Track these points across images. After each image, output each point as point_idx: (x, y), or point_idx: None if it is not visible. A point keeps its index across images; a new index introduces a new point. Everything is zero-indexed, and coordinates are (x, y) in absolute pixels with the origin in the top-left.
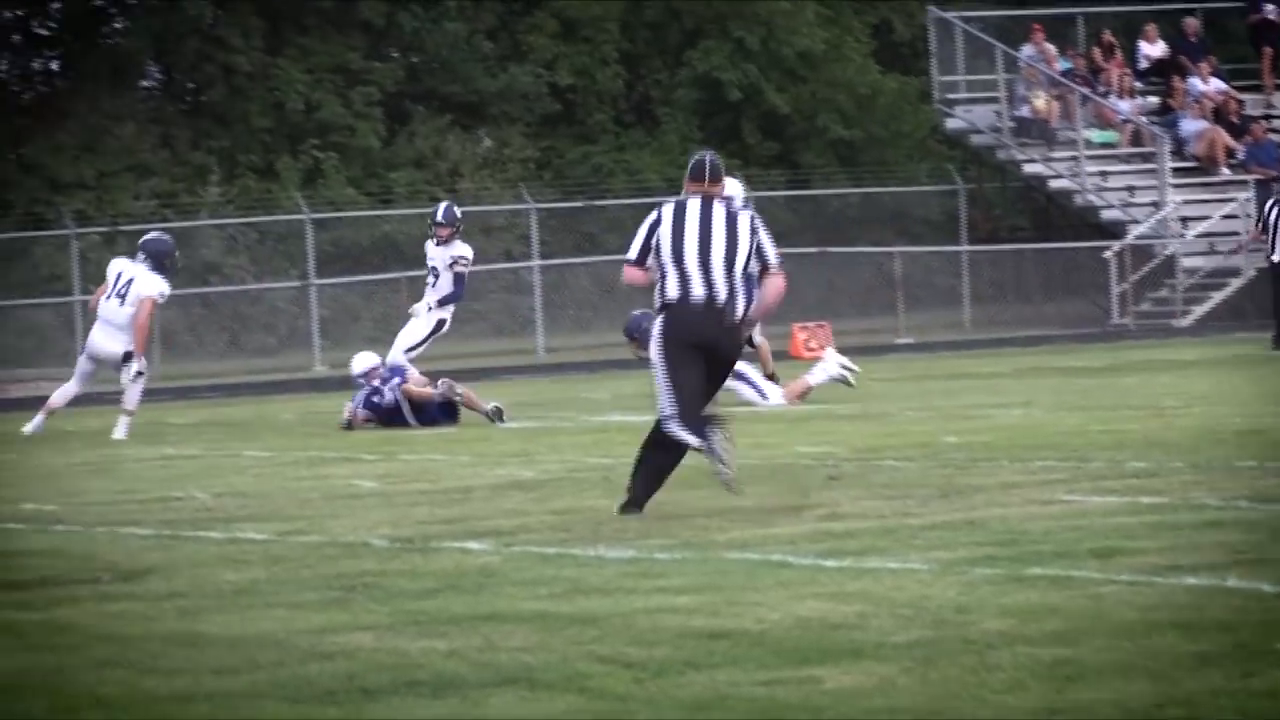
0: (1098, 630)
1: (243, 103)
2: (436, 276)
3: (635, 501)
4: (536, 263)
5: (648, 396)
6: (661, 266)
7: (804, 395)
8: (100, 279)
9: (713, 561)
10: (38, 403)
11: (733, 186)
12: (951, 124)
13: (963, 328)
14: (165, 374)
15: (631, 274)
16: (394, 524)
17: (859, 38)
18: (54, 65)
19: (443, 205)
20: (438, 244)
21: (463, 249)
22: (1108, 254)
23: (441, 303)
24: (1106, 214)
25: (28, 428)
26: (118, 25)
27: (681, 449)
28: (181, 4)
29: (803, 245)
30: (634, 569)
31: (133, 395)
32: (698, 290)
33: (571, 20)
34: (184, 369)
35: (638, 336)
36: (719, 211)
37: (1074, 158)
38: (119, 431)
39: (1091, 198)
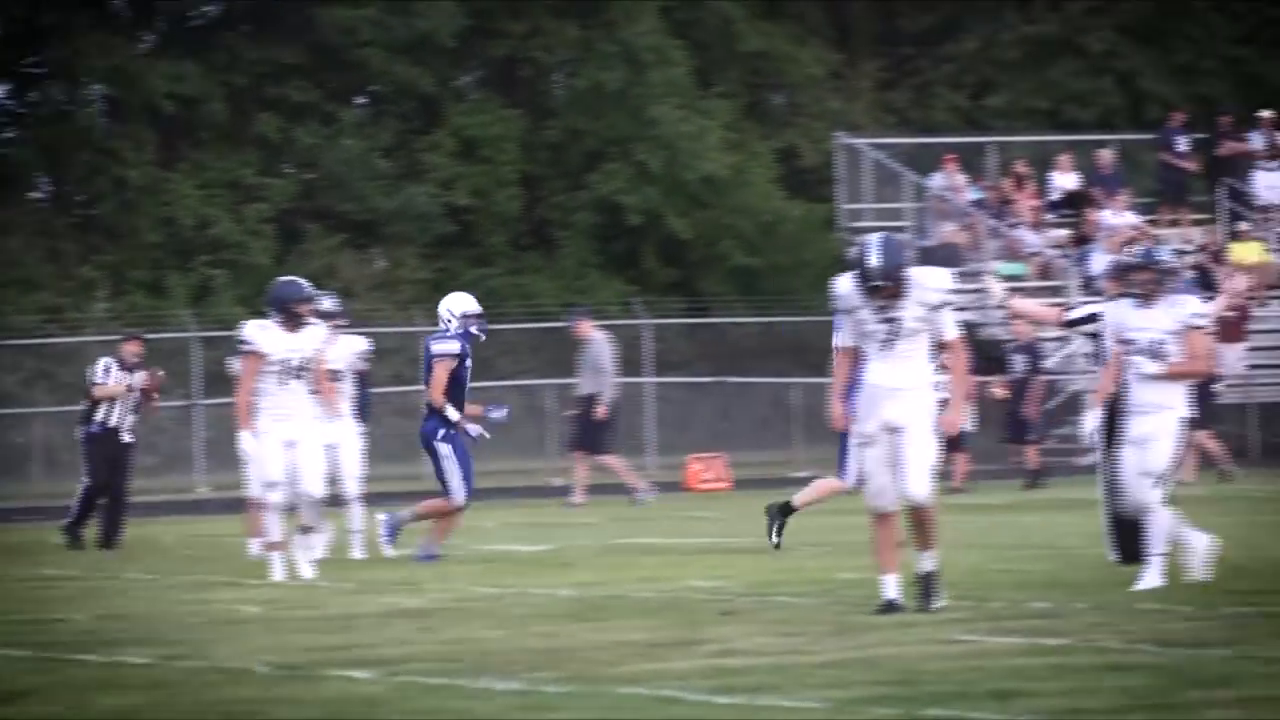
0: None
1: (133, 217)
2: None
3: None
4: None
5: (534, 526)
6: None
7: None
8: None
9: (603, 696)
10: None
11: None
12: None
13: None
14: (47, 492)
15: None
16: (277, 650)
17: (764, 163)
18: None
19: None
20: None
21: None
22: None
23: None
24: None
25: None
26: (8, 135)
27: None
28: (74, 115)
29: (700, 374)
30: (523, 701)
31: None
32: None
33: (471, 139)
34: (66, 487)
35: None
36: None
37: (980, 290)
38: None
39: (996, 330)
